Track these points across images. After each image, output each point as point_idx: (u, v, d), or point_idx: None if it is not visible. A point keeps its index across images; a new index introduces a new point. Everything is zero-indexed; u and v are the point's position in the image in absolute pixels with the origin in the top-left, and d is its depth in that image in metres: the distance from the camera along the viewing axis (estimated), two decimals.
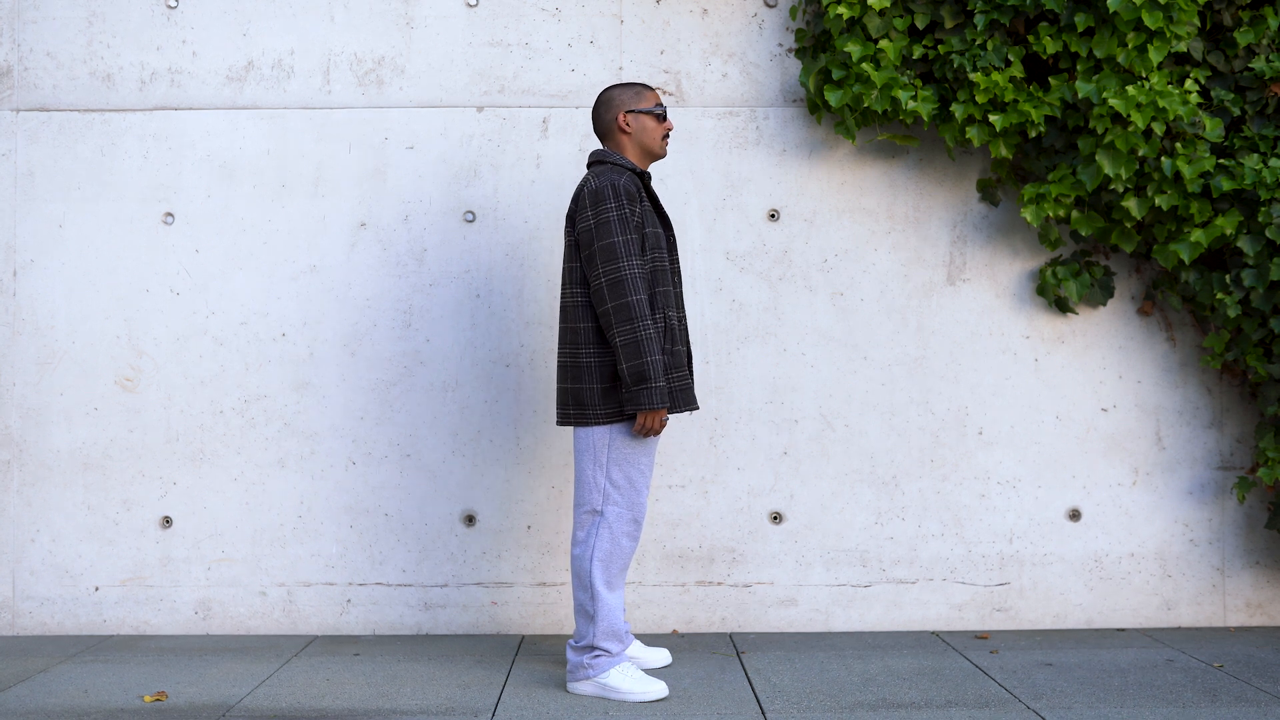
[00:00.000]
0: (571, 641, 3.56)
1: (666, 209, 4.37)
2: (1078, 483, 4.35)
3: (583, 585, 3.50)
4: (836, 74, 4.10)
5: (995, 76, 3.98)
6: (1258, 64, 4.00)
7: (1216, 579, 4.35)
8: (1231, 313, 4.01)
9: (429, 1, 4.40)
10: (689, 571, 4.33)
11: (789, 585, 4.33)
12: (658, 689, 3.45)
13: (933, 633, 4.30)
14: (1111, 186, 4.01)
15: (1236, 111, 4.04)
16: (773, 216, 4.38)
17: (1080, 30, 3.96)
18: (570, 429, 4.30)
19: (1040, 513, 4.35)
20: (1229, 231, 3.96)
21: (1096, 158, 3.98)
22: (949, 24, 4.08)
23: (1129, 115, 3.87)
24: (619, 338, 3.37)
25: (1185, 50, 4.00)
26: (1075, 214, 4.11)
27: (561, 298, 3.55)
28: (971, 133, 4.06)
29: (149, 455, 4.34)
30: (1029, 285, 4.38)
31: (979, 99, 3.99)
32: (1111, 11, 3.90)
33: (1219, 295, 4.04)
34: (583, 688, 3.51)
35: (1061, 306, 4.30)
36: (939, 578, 4.33)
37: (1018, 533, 4.34)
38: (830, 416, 4.35)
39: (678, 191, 4.38)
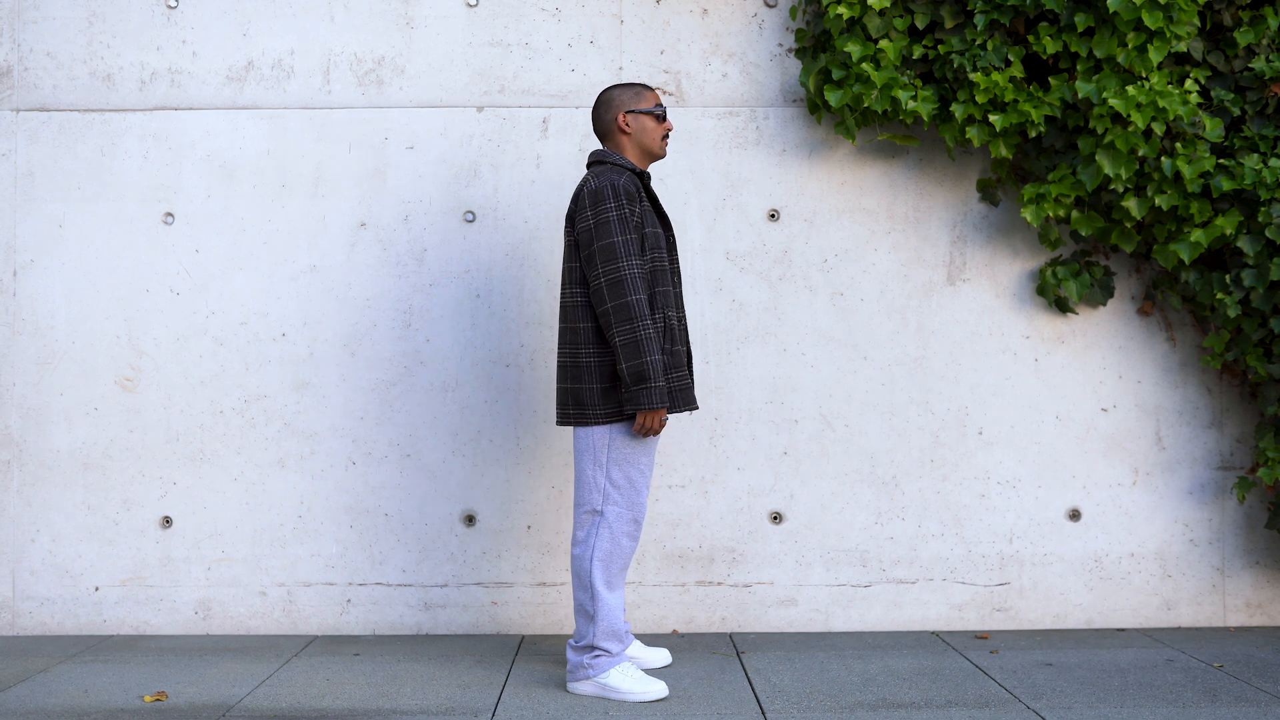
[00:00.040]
0: (571, 641, 3.56)
1: (666, 209, 4.37)
2: (1078, 483, 4.35)
3: (583, 585, 3.50)
4: (836, 74, 4.10)
5: (995, 76, 3.98)
6: (1258, 64, 4.00)
7: (1216, 579, 4.35)
8: (1231, 313, 4.01)
9: (429, 1, 4.40)
10: (689, 571, 4.33)
11: (789, 585, 4.33)
12: (658, 689, 3.45)
13: (933, 633, 4.30)
14: (1111, 186, 4.01)
15: (1236, 111, 4.04)
16: (773, 216, 4.38)
17: (1080, 30, 3.96)
18: (570, 429, 4.30)
19: (1040, 513, 4.35)
20: (1229, 231, 3.96)
21: (1096, 158, 3.98)
22: (949, 24, 4.08)
23: (1129, 115, 3.87)
24: (618, 337, 3.37)
25: (1185, 50, 4.00)
26: (1075, 214, 4.11)
27: (561, 297, 3.55)
28: (971, 133, 4.06)
29: (149, 455, 4.34)
30: (1029, 285, 4.38)
31: (979, 99, 3.99)
32: (1111, 11, 3.90)
33: (1219, 295, 4.04)
34: (583, 688, 3.51)
35: (1061, 306, 4.30)
36: (939, 578, 4.33)
37: (1018, 533, 4.34)
38: (830, 416, 4.35)
39: (678, 191, 4.38)
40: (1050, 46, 4.00)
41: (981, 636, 4.22)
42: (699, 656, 3.96)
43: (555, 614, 4.33)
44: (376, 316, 4.36)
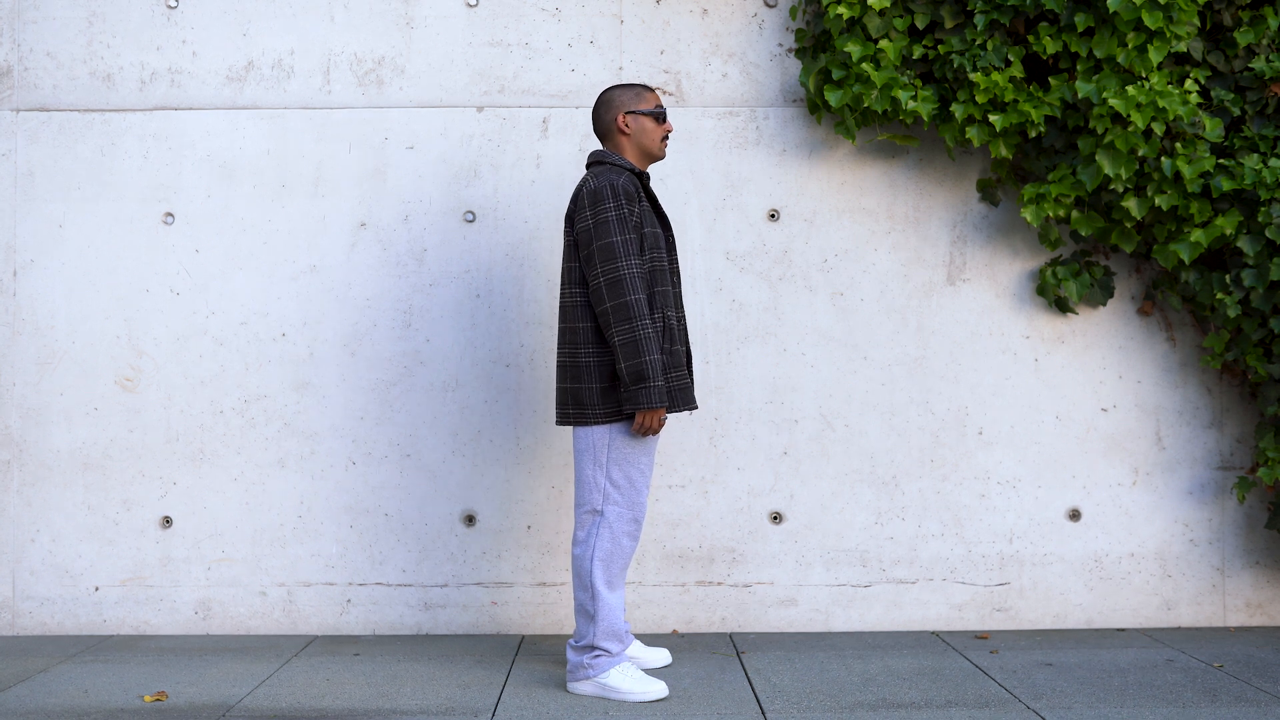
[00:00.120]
0: (572, 641, 3.56)
1: (666, 209, 4.37)
2: (1078, 483, 4.35)
3: (583, 585, 3.50)
4: (836, 74, 4.10)
5: (995, 76, 3.98)
6: (1258, 64, 4.00)
7: (1216, 579, 4.35)
8: (1231, 313, 4.01)
9: (429, 1, 4.40)
10: (689, 571, 4.33)
11: (789, 585, 4.33)
12: (658, 689, 3.45)
13: (933, 633, 4.30)
14: (1111, 186, 4.01)
15: (1236, 111, 4.04)
16: (773, 216, 4.38)
17: (1080, 30, 3.96)
18: (570, 429, 4.30)
19: (1040, 513, 4.35)
20: (1229, 231, 3.96)
21: (1096, 158, 3.98)
22: (949, 24, 4.08)
23: (1129, 115, 3.87)
24: (617, 337, 3.37)
25: (1185, 50, 4.00)
26: (1075, 214, 4.11)
27: (561, 297, 3.56)
28: (971, 133, 4.06)
29: (149, 455, 4.34)
30: (1029, 285, 4.38)
31: (979, 99, 3.99)
32: (1111, 11, 3.90)
33: (1219, 295, 4.04)
34: (583, 688, 3.51)
35: (1061, 306, 4.30)
36: (939, 578, 4.33)
37: (1018, 533, 4.34)
38: (830, 416, 4.35)
39: (678, 191, 4.38)
40: (1050, 46, 4.00)
41: (981, 636, 4.22)
42: (699, 656, 3.96)
43: (555, 614, 4.33)
44: (376, 316, 4.36)
